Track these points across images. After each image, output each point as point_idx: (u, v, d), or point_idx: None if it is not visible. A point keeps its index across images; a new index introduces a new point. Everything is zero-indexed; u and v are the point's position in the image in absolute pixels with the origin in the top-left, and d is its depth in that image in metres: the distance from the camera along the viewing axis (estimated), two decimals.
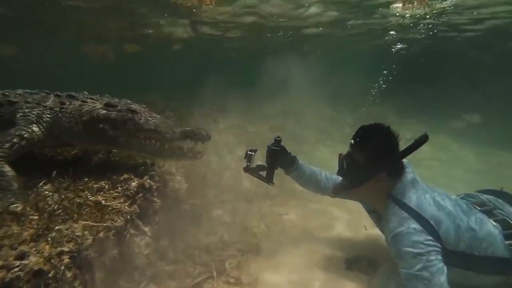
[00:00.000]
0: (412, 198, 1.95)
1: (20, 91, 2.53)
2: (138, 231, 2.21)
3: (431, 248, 1.77)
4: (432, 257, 1.74)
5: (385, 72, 10.47)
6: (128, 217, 2.14)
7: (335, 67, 11.31)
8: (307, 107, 7.28)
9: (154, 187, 2.46)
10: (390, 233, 1.91)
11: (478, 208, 2.12)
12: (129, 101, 2.55)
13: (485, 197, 2.27)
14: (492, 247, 1.90)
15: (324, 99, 7.59)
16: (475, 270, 1.91)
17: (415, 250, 1.76)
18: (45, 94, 2.51)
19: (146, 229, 2.28)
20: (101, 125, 2.28)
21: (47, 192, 2.08)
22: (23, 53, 13.87)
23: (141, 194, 2.32)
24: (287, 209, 3.69)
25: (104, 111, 2.31)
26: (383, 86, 10.15)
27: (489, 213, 2.10)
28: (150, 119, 2.35)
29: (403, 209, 1.92)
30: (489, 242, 1.90)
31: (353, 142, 2.08)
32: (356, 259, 2.53)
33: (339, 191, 2.26)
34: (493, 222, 2.02)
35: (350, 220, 3.37)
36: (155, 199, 2.44)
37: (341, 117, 8.12)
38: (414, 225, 1.83)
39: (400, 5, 7.26)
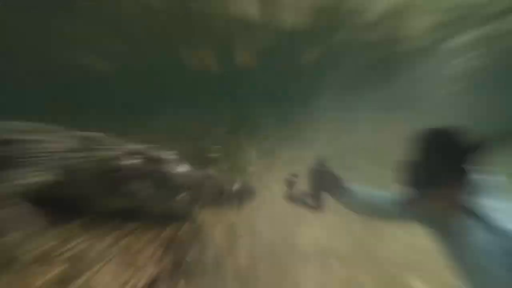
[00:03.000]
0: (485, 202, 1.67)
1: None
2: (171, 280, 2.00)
3: None
4: None
5: None
6: (161, 265, 1.98)
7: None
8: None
9: (191, 236, 2.30)
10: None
11: None
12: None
13: None
14: None
15: None
16: None
17: None
18: None
19: (180, 281, 2.05)
20: None
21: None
22: None
23: (176, 243, 2.18)
24: (362, 273, 2.91)
25: None
26: None
27: None
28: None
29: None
30: None
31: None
32: None
33: (413, 204, 1.81)
34: None
35: None
36: (191, 250, 2.25)
37: None
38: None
39: None
